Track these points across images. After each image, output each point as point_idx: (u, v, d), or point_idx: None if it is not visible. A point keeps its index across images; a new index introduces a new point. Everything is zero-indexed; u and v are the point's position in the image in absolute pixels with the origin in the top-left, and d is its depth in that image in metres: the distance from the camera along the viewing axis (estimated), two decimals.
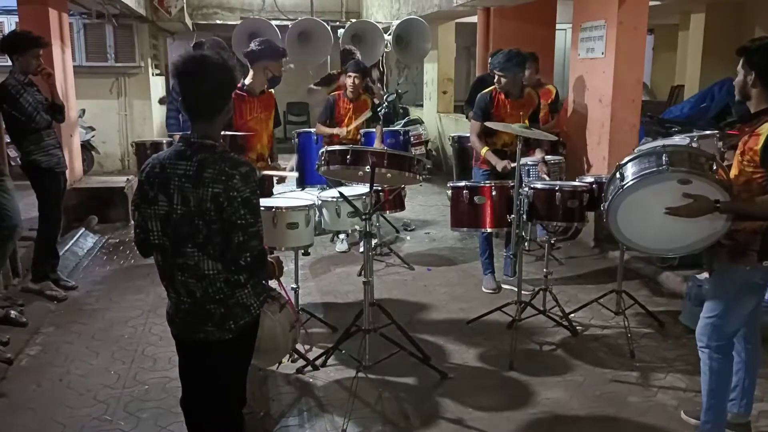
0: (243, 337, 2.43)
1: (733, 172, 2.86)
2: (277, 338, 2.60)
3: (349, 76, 6.03)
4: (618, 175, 3.06)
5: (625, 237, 3.11)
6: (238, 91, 4.25)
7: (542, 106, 6.13)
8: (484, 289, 5.18)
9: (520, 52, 4.82)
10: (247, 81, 4.33)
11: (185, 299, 2.38)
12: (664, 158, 2.88)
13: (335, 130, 5.98)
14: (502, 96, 4.87)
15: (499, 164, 4.74)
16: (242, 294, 2.38)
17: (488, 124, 4.68)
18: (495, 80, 4.85)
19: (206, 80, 2.28)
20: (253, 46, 4.38)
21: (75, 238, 6.37)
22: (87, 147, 9.49)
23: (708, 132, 4.45)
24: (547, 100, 6.17)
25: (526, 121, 4.91)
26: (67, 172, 5.32)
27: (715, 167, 2.85)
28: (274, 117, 4.63)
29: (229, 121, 3.97)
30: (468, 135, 6.81)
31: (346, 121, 6.09)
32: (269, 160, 4.58)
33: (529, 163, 5.32)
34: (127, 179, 7.74)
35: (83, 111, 9.35)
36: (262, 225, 2.31)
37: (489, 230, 4.56)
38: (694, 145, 3.97)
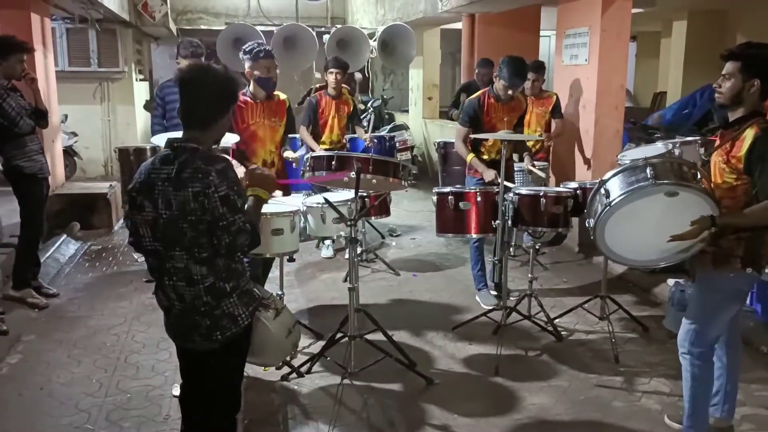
0: (232, 346, 2.43)
1: (715, 178, 2.88)
2: (274, 344, 2.60)
3: (331, 73, 6.02)
4: (602, 191, 3.02)
5: (613, 252, 3.10)
6: (240, 96, 4.25)
7: (543, 113, 6.18)
8: (483, 306, 4.92)
9: (523, 59, 4.76)
10: (251, 87, 4.35)
11: (176, 303, 2.39)
12: (648, 171, 2.85)
13: (316, 149, 5.86)
14: (492, 100, 4.81)
15: (487, 174, 4.64)
16: (228, 303, 2.37)
17: (474, 136, 4.69)
18: (502, 92, 4.72)
19: (203, 90, 2.34)
20: None
21: (57, 245, 6.30)
22: (69, 152, 9.40)
23: (690, 138, 4.49)
24: (548, 107, 6.20)
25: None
26: (50, 178, 5.27)
27: (699, 176, 2.86)
28: (288, 123, 4.54)
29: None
30: (453, 140, 6.84)
31: (329, 120, 6.08)
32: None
33: (515, 169, 5.34)
34: (110, 185, 7.67)
35: (65, 116, 9.27)
36: (242, 218, 2.30)
37: (475, 236, 4.54)
38: (676, 151, 4.01)
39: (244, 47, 4.34)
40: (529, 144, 6.01)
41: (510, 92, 4.74)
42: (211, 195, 2.23)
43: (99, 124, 10.40)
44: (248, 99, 4.33)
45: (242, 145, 4.35)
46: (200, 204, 2.24)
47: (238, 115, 4.28)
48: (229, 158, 4.30)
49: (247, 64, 4.28)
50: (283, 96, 4.52)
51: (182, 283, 2.35)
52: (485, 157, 4.87)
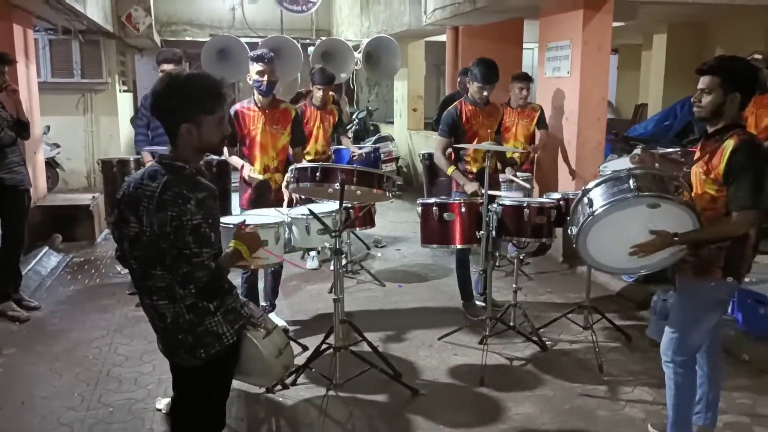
0: (217, 364, 2.40)
1: (696, 189, 2.91)
2: (263, 364, 2.58)
3: (318, 89, 6.03)
4: (586, 201, 3.04)
5: (595, 261, 3.12)
6: (245, 104, 4.50)
7: (528, 125, 6.22)
8: (469, 317, 4.92)
9: (493, 61, 4.77)
10: (255, 94, 4.50)
11: (157, 323, 2.37)
12: (631, 183, 2.88)
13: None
14: (469, 107, 4.84)
15: (469, 186, 4.65)
16: (212, 322, 2.34)
17: (456, 146, 4.71)
18: (477, 94, 4.77)
19: (156, 101, 2.31)
20: None
21: (38, 257, 6.23)
22: (51, 164, 9.33)
23: (670, 149, 4.55)
24: (532, 119, 6.24)
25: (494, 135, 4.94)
26: (31, 189, 5.22)
27: (680, 189, 2.90)
28: (295, 134, 4.63)
29: (232, 136, 4.27)
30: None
31: (314, 131, 6.10)
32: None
33: (500, 179, 5.35)
34: (93, 197, 7.61)
35: (48, 128, 9.20)
36: (209, 254, 2.24)
37: (459, 247, 4.55)
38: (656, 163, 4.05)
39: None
40: (515, 156, 6.06)
41: (485, 93, 4.76)
42: (185, 223, 2.18)
43: (82, 135, 10.33)
44: (252, 106, 4.49)
45: (245, 150, 4.54)
46: (174, 229, 2.19)
47: (241, 121, 4.47)
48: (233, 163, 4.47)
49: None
50: (289, 106, 4.67)
51: (164, 301, 2.31)
52: (472, 168, 4.88)
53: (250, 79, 4.41)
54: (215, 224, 2.30)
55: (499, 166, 5.21)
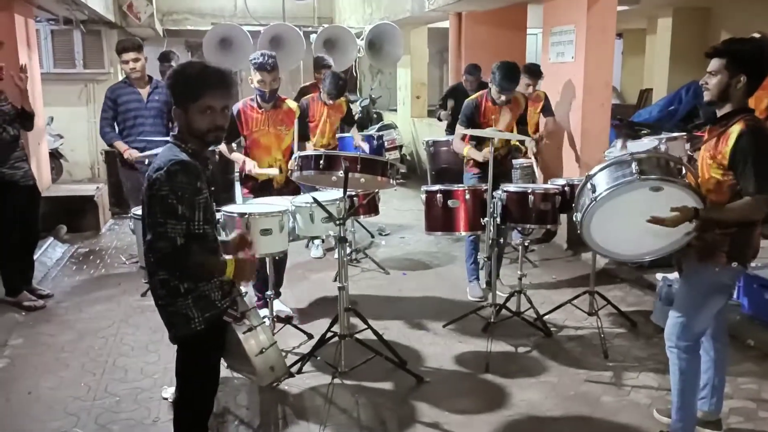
0: (188, 347, 2.48)
1: (703, 173, 2.90)
2: (245, 359, 2.58)
3: (329, 97, 6.02)
4: (589, 186, 3.04)
5: (600, 247, 3.12)
6: (249, 102, 4.45)
7: (532, 112, 6.19)
8: (470, 297, 5.04)
9: (516, 65, 4.77)
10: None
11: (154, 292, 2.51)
12: (633, 167, 2.88)
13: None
14: (489, 102, 4.84)
15: (480, 155, 4.69)
16: (183, 304, 2.40)
17: (465, 131, 4.71)
18: (496, 97, 4.76)
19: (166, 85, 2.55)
20: None
21: (43, 248, 6.24)
22: (55, 155, 9.31)
23: (676, 134, 4.54)
24: (537, 106, 6.21)
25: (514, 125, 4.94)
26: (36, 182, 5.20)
27: (684, 171, 2.89)
28: (300, 130, 4.62)
29: (231, 130, 4.30)
30: (442, 139, 6.89)
31: (320, 125, 6.07)
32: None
33: (514, 165, 5.35)
34: (97, 187, 7.61)
35: (51, 118, 9.19)
36: (176, 227, 2.27)
37: (464, 234, 4.57)
38: (663, 147, 4.04)
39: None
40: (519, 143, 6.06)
41: (503, 97, 4.76)
42: (153, 194, 2.28)
43: (85, 126, 10.29)
44: (254, 106, 4.44)
45: (248, 149, 4.50)
46: (148, 198, 2.31)
47: (243, 122, 4.42)
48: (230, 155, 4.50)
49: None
50: (292, 105, 4.61)
51: (152, 270, 2.43)
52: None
53: (252, 83, 4.38)
54: (190, 200, 2.30)
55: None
